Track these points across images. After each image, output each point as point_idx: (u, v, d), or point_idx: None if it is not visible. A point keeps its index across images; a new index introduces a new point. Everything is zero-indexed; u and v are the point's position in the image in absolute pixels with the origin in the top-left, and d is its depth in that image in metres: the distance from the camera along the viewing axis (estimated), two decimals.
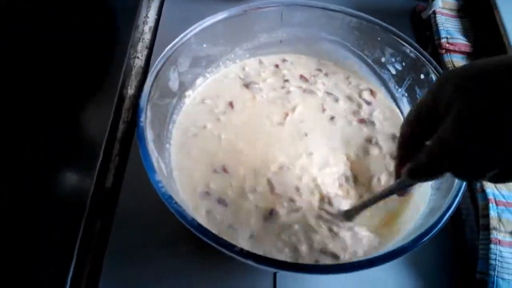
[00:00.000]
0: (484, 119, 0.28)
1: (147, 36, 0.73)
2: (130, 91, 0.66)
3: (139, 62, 0.70)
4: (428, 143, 0.34)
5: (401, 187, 0.41)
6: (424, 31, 0.72)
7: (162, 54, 0.50)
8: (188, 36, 0.52)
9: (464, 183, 0.43)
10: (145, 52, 0.71)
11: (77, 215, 0.49)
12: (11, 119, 0.48)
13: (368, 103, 0.59)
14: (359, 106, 0.59)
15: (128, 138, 0.61)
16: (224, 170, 0.52)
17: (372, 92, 0.61)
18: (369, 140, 0.56)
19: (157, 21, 0.75)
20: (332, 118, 0.58)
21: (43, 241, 0.47)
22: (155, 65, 0.49)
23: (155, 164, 0.43)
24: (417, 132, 0.36)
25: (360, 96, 0.60)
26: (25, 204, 0.47)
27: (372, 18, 0.57)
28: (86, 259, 0.50)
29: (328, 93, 0.60)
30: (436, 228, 0.40)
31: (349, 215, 0.48)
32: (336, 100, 0.60)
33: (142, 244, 0.51)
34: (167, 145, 0.52)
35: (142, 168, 0.47)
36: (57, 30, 0.57)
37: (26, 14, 0.52)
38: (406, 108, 0.59)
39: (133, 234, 0.52)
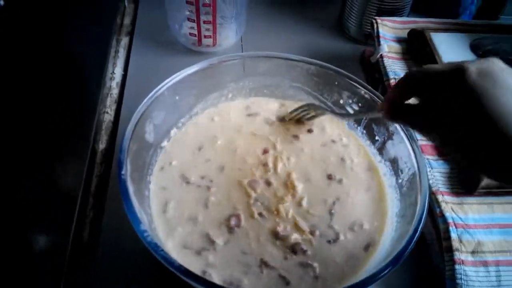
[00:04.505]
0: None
1: (115, 91, 0.75)
2: (102, 145, 0.67)
3: (108, 116, 0.71)
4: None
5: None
6: (374, 73, 0.77)
7: (138, 108, 0.52)
8: (162, 89, 0.54)
9: (426, 209, 0.47)
10: (114, 107, 0.73)
11: (56, 271, 0.49)
12: None
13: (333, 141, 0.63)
14: None
15: (101, 192, 0.62)
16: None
17: None
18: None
19: (124, 77, 0.78)
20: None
21: None
22: (132, 118, 0.51)
23: (138, 215, 0.44)
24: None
25: None
26: (2, 264, 0.47)
27: (328, 65, 0.61)
28: None
29: None
30: (408, 249, 0.43)
31: None
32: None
33: None
34: (146, 195, 0.53)
35: (118, 220, 0.47)
36: (31, 91, 0.58)
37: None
38: (367, 143, 0.63)
39: (113, 284, 0.52)
